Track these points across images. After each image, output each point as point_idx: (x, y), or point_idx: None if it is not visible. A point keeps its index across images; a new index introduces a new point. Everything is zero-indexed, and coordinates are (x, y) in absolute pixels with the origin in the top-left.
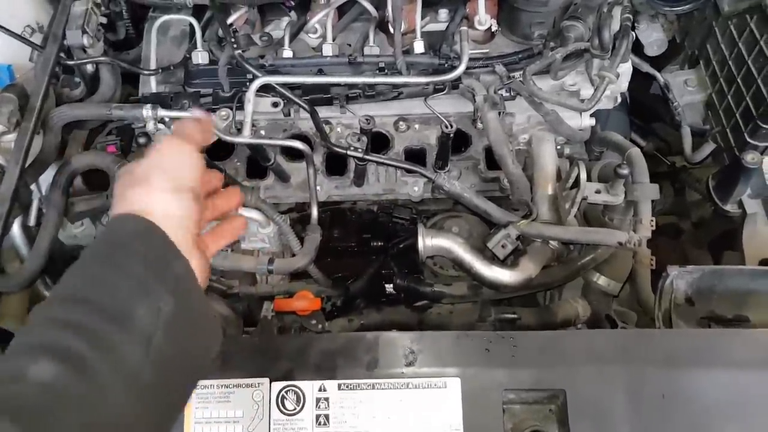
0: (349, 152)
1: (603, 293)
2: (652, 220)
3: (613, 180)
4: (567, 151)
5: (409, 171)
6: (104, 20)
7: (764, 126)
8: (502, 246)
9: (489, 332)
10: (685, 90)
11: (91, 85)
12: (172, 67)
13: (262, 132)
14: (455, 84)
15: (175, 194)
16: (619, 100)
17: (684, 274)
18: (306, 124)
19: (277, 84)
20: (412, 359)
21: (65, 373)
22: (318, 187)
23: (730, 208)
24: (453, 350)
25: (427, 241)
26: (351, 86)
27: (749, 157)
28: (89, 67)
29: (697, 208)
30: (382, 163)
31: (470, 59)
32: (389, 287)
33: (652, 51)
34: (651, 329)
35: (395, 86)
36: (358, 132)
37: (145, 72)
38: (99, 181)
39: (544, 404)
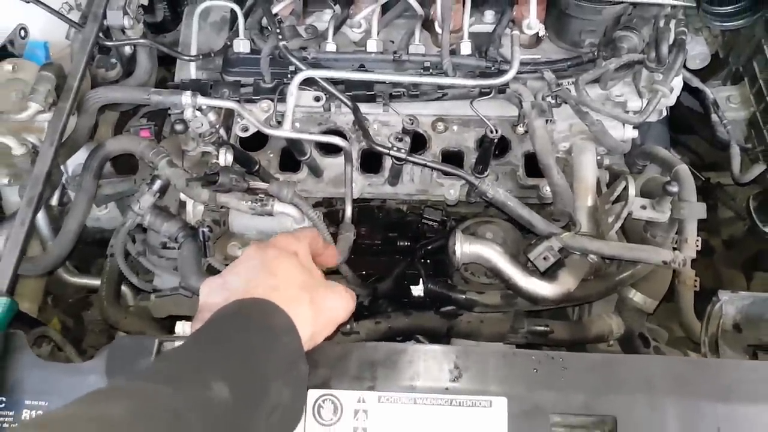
0: (392, 152)
1: (638, 310)
2: (697, 241)
3: (660, 196)
4: (606, 162)
5: (449, 174)
6: (145, 1)
7: None
8: (544, 258)
9: (537, 351)
10: (728, 106)
11: (127, 66)
12: (213, 54)
13: (297, 125)
14: (502, 88)
15: (312, 310)
16: (665, 113)
17: (735, 299)
18: (342, 119)
19: (320, 78)
20: (457, 375)
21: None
22: (353, 185)
23: None
24: (500, 368)
25: (465, 248)
26: (395, 84)
27: None
28: (127, 49)
29: (729, 225)
30: (424, 165)
31: (520, 64)
32: (416, 290)
33: (694, 64)
34: (707, 359)
35: (440, 87)
36: (400, 131)
37: (185, 57)
38: (126, 165)
39: (590, 430)
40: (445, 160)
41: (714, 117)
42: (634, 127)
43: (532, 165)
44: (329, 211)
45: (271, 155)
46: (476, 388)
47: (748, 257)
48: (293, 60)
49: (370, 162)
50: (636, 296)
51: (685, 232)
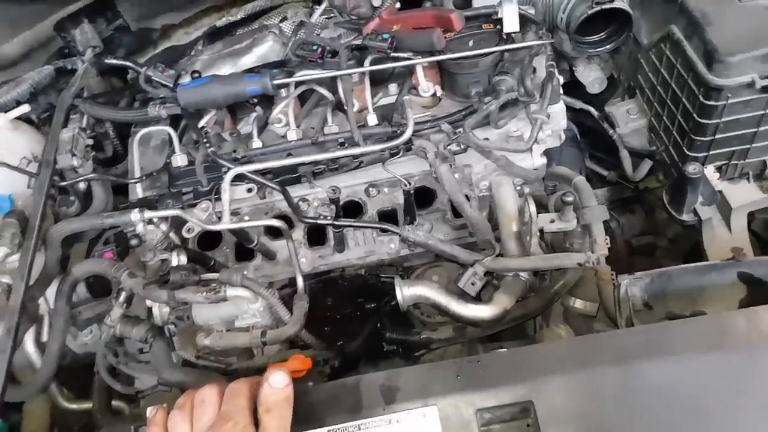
0: (319, 221)
1: (581, 315)
2: (606, 239)
3: (562, 208)
4: (527, 190)
5: (379, 230)
6: (91, 141)
7: (697, 138)
8: (472, 283)
9: (459, 359)
10: (629, 118)
11: (85, 201)
12: (155, 173)
13: (246, 217)
14: (408, 147)
15: None
16: (563, 137)
17: (635, 281)
18: (284, 205)
19: (248, 172)
20: (391, 396)
21: None
22: (303, 259)
23: (687, 217)
24: (427, 381)
25: (405, 291)
26: (315, 163)
27: (691, 169)
28: (81, 185)
29: (670, 225)
30: (352, 226)
31: (417, 123)
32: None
33: (594, 89)
34: (600, 333)
35: (354, 156)
36: (325, 203)
37: (131, 181)
38: (101, 289)
39: (521, 419)
40: (382, 219)
41: (606, 128)
42: (542, 155)
43: None
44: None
45: (227, 250)
46: (409, 403)
47: (689, 250)
48: (221, 162)
49: (319, 236)
50: (576, 303)
51: (593, 233)
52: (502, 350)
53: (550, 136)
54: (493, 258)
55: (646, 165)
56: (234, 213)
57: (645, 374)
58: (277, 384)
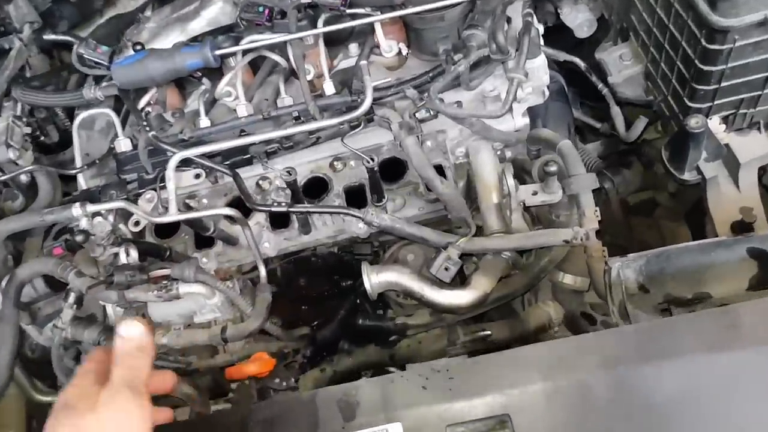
0: (273, 208)
1: (572, 291)
2: (596, 210)
3: (545, 178)
4: (509, 154)
5: (335, 213)
6: (28, 130)
7: (700, 87)
8: (445, 269)
9: (425, 367)
10: (622, 65)
11: (30, 193)
12: (98, 161)
13: (205, 201)
14: (369, 118)
15: None
16: (547, 93)
17: (629, 263)
18: (245, 184)
19: (194, 156)
20: (350, 413)
21: None
22: (266, 244)
23: (689, 176)
24: (390, 395)
25: (373, 278)
26: (268, 142)
27: (693, 122)
28: (23, 178)
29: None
30: (309, 212)
31: (379, 89)
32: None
33: (582, 33)
34: (582, 335)
35: (310, 132)
36: (279, 187)
37: (71, 172)
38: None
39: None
40: (349, 196)
41: (595, 82)
42: (523, 115)
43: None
44: (294, 260)
45: (186, 237)
46: (371, 419)
47: (692, 207)
48: (163, 146)
49: (284, 217)
50: (565, 278)
51: (582, 205)
52: (476, 358)
53: (531, 94)
54: (469, 239)
55: (641, 123)
56: (191, 196)
57: (639, 381)
58: (125, 333)
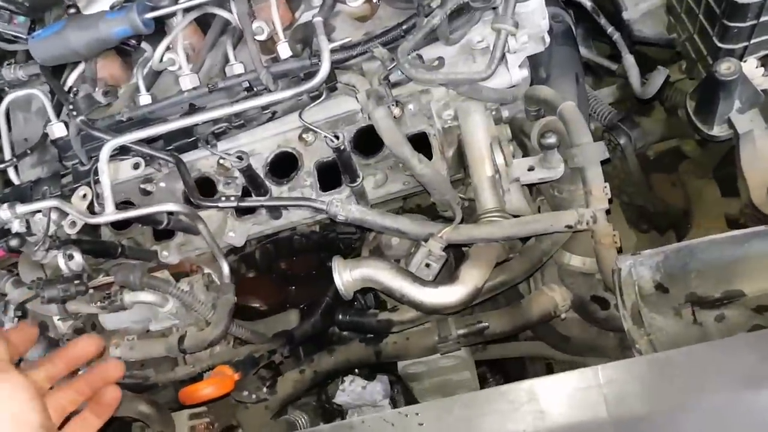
0: (219, 204)
1: (581, 274)
2: (605, 187)
3: (544, 151)
4: (506, 113)
5: (294, 206)
6: None
7: (733, 24)
8: (427, 266)
9: (391, 413)
10: None
11: None
12: (29, 151)
13: (162, 185)
14: (332, 86)
15: None
16: (548, 39)
17: (644, 260)
18: (206, 163)
19: (129, 143)
20: None
21: None
22: (231, 234)
23: (719, 131)
24: None
25: (345, 276)
26: (215, 121)
27: (724, 67)
28: None
29: None
30: (262, 206)
31: (343, 48)
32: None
33: None
34: (584, 369)
35: (263, 108)
36: (232, 174)
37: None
38: None
39: None
40: (322, 174)
41: (604, 25)
42: (520, 66)
43: (418, 144)
44: (242, 255)
45: (144, 227)
46: None
47: (722, 160)
48: (94, 132)
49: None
50: (573, 260)
51: (588, 181)
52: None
53: (527, 42)
54: (454, 228)
55: (660, 76)
56: (147, 180)
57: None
58: None
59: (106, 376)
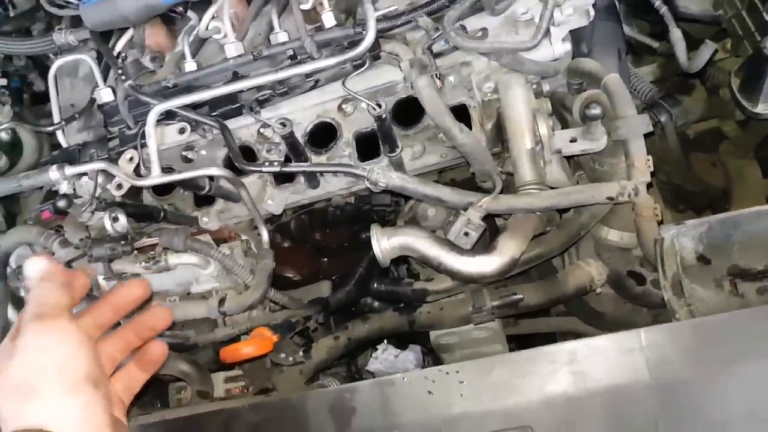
0: (263, 169)
1: (618, 249)
2: (648, 160)
3: (587, 122)
4: (546, 87)
5: (338, 172)
6: (4, 81)
7: None
8: (465, 234)
9: (431, 370)
10: None
11: (14, 151)
12: (77, 115)
13: (204, 152)
14: (376, 55)
15: (70, 396)
16: (592, 13)
17: (687, 230)
18: (247, 132)
19: (175, 108)
20: (344, 421)
21: None
22: (270, 201)
23: (763, 108)
24: (390, 400)
25: (384, 244)
26: (260, 88)
27: None
28: (3, 135)
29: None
30: (305, 171)
31: (386, 18)
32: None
33: None
34: (621, 333)
35: (307, 75)
36: (272, 142)
37: (46, 129)
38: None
39: None
40: (360, 144)
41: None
42: (563, 40)
43: (457, 116)
44: (278, 225)
45: (186, 193)
46: (367, 430)
47: (763, 140)
48: (142, 97)
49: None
50: (610, 234)
51: (631, 154)
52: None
53: (572, 15)
54: (494, 198)
55: (707, 50)
56: (188, 147)
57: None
58: (30, 272)
59: (155, 325)
